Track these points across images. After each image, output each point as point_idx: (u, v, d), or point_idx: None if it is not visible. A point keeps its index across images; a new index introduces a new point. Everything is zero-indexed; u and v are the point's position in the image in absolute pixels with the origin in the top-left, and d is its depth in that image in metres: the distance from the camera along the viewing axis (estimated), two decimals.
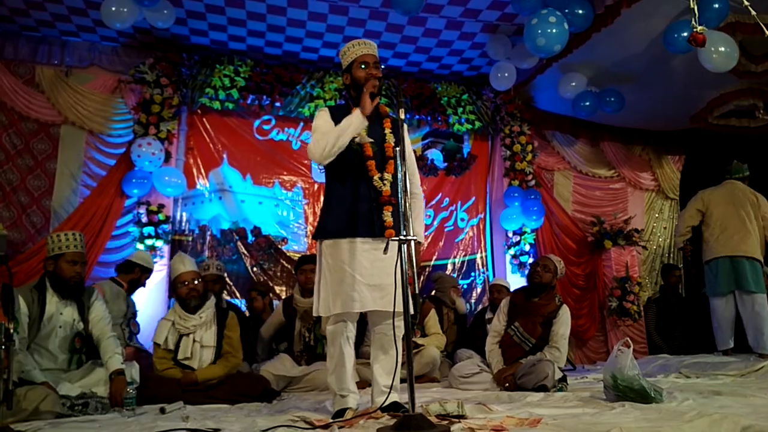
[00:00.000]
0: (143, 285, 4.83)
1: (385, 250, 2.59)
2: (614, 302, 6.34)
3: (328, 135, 2.91)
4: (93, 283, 4.31)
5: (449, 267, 6.47)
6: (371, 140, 3.03)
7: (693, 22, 4.05)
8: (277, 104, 5.94)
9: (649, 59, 5.37)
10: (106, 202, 5.27)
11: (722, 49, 4.36)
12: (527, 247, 6.40)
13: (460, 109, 6.48)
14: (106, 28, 5.03)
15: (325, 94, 6.00)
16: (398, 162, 2.68)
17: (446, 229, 6.53)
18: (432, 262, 6.39)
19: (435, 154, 6.53)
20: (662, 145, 7.36)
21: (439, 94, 6.45)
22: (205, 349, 3.90)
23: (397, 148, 2.72)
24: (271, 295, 5.58)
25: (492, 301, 5.60)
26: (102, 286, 4.46)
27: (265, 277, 5.79)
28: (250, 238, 5.80)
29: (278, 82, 5.92)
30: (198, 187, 5.80)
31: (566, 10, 4.65)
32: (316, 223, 5.80)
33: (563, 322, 4.18)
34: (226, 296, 5.40)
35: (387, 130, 3.11)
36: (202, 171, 5.83)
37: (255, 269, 5.80)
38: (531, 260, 6.22)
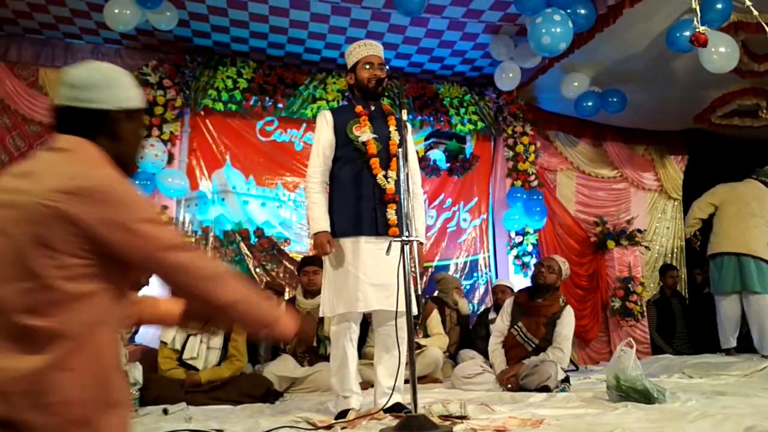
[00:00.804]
0: (146, 283, 4.78)
1: (388, 250, 2.60)
2: (617, 302, 6.33)
3: (310, 192, 3.10)
4: None
5: (452, 267, 6.46)
6: (375, 136, 3.04)
7: (695, 23, 4.05)
8: (280, 105, 5.95)
9: (651, 59, 5.36)
10: None
11: (722, 50, 4.35)
12: (530, 248, 6.39)
13: (463, 110, 6.48)
14: (109, 30, 5.04)
15: (328, 95, 6.01)
16: (401, 162, 2.68)
17: (449, 230, 6.53)
18: (435, 263, 6.39)
19: (437, 155, 6.53)
20: (665, 145, 7.35)
21: (442, 95, 6.45)
22: (211, 351, 3.92)
23: (400, 149, 2.73)
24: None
25: (495, 301, 5.60)
26: None
27: (268, 278, 5.79)
28: (253, 239, 5.80)
29: (281, 84, 5.93)
30: (201, 188, 5.80)
31: (568, 10, 4.65)
32: None
33: (567, 323, 4.17)
34: None
35: (392, 128, 3.12)
36: (205, 172, 5.84)
37: (258, 270, 5.81)
38: (534, 261, 6.21)
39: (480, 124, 6.55)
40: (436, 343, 4.97)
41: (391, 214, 2.96)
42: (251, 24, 5.37)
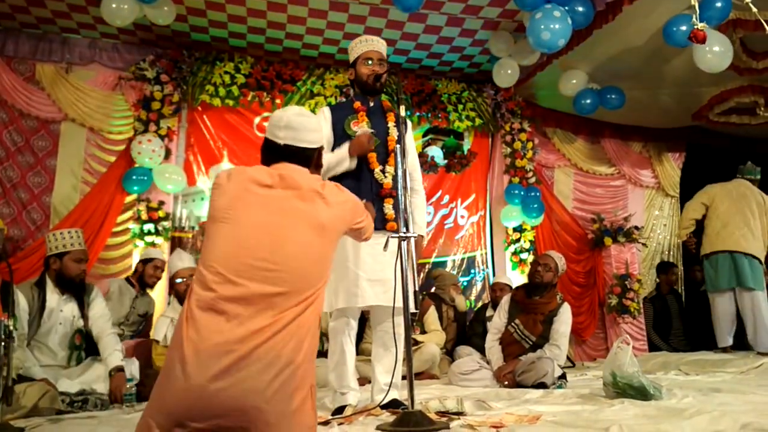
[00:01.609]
0: (150, 283, 4.74)
1: (385, 246, 2.59)
2: (614, 299, 6.34)
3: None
4: (98, 281, 4.32)
5: (449, 264, 6.47)
6: (372, 131, 3.03)
7: (694, 19, 4.04)
8: (278, 101, 5.94)
9: (649, 56, 5.36)
10: (106, 199, 5.27)
11: (717, 49, 4.35)
12: (527, 245, 6.40)
13: (461, 106, 6.48)
14: (107, 25, 5.02)
15: (326, 91, 6.00)
16: (398, 158, 2.68)
17: (446, 226, 6.53)
18: (432, 259, 6.39)
19: (435, 151, 6.52)
20: (663, 143, 7.36)
21: (440, 91, 6.44)
22: None
23: (398, 145, 2.73)
24: None
25: (493, 298, 5.60)
26: (110, 284, 4.48)
27: None
28: None
29: (279, 79, 5.92)
30: (198, 184, 5.79)
31: (566, 8, 4.64)
32: None
33: (564, 321, 4.18)
34: None
35: (390, 124, 3.12)
36: (203, 168, 5.83)
37: None
38: (531, 258, 6.21)
39: (478, 121, 6.54)
40: (433, 339, 4.98)
41: (389, 209, 2.96)
42: (249, 19, 5.35)
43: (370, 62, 3.11)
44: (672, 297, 6.61)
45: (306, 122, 2.11)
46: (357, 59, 3.15)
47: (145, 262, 4.67)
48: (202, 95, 5.70)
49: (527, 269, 5.67)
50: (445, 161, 6.54)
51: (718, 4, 4.24)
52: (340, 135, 3.08)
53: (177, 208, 5.69)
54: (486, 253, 6.67)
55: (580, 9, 4.74)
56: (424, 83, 6.39)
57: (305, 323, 1.79)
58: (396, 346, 2.81)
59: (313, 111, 5.94)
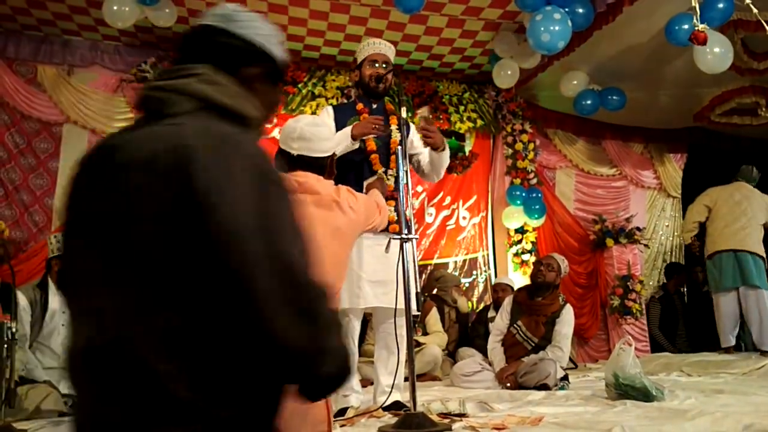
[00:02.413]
0: None
1: (387, 248, 2.59)
2: (616, 300, 6.33)
3: None
4: None
5: (451, 265, 6.46)
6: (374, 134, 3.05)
7: (695, 20, 4.04)
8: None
9: (650, 57, 5.36)
10: None
11: (717, 50, 4.35)
12: (529, 246, 6.39)
13: (462, 108, 6.47)
14: (108, 27, 5.02)
15: (327, 93, 6.00)
16: (399, 161, 2.68)
17: (448, 227, 6.52)
18: (434, 261, 6.39)
19: None
20: (664, 143, 7.35)
21: (441, 93, 6.43)
22: None
23: (399, 147, 2.73)
24: None
25: (495, 300, 5.59)
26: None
27: None
28: None
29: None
30: None
31: (566, 9, 4.64)
32: None
33: (566, 322, 4.17)
34: None
35: (393, 127, 3.13)
36: None
37: None
38: (533, 259, 6.21)
39: (479, 122, 6.54)
40: (435, 340, 4.97)
41: (391, 212, 2.97)
42: None
43: (375, 65, 3.13)
44: (677, 297, 6.61)
45: (318, 132, 2.18)
46: (363, 62, 3.17)
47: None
48: None
49: (529, 270, 5.66)
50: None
51: (720, 5, 4.24)
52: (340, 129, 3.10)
53: None
54: (488, 255, 6.66)
55: (581, 10, 4.74)
56: (425, 85, 6.39)
57: None
58: (398, 347, 2.82)
59: (314, 113, 5.97)
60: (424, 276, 6.11)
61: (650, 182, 7.35)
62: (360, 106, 3.15)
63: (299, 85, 5.97)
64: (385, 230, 2.92)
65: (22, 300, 3.33)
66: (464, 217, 6.61)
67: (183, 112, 1.03)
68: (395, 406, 2.83)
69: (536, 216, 6.32)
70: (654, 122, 7.08)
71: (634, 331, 6.25)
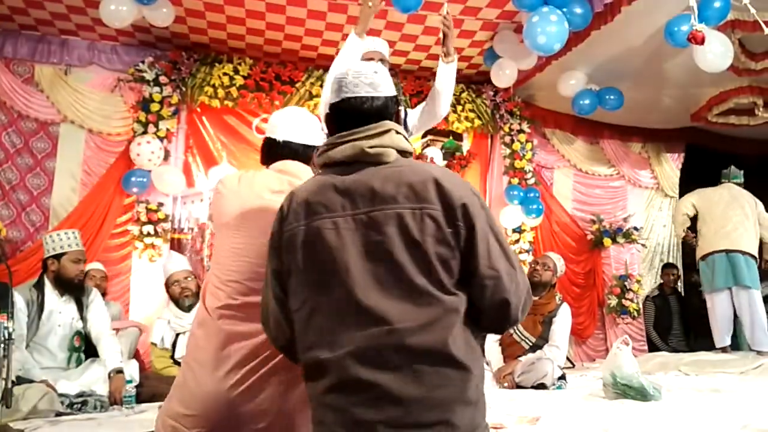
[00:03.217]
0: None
1: None
2: (613, 300, 6.34)
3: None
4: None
5: None
6: None
7: (693, 20, 4.05)
8: (277, 102, 5.93)
9: (648, 57, 5.36)
10: (105, 201, 5.28)
11: (717, 49, 4.36)
12: (526, 245, 6.39)
13: (460, 107, 6.47)
14: (105, 26, 5.01)
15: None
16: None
17: None
18: None
19: (434, 152, 6.51)
20: (662, 143, 7.36)
21: None
22: None
23: None
24: None
25: None
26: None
27: None
28: None
29: (277, 81, 5.91)
30: (197, 185, 5.78)
31: (564, 9, 4.64)
32: None
33: (563, 321, 4.18)
34: None
35: None
36: (202, 169, 5.82)
37: None
38: (530, 258, 6.21)
39: (477, 122, 6.54)
40: None
41: None
42: (248, 21, 5.35)
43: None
44: (674, 297, 6.61)
45: (305, 121, 2.13)
46: None
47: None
48: (201, 97, 5.69)
49: (526, 270, 5.67)
50: (445, 162, 6.53)
51: (717, 4, 4.24)
52: None
53: (176, 210, 5.68)
54: None
55: (579, 10, 4.74)
56: (423, 84, 6.38)
57: None
58: None
59: (312, 113, 5.95)
60: None
61: (648, 182, 7.35)
62: None
63: (297, 85, 5.97)
64: None
65: (19, 301, 3.32)
66: None
67: (395, 159, 1.50)
68: None
69: (534, 215, 6.32)
70: (652, 122, 7.09)
71: (632, 331, 6.26)
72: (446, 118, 6.42)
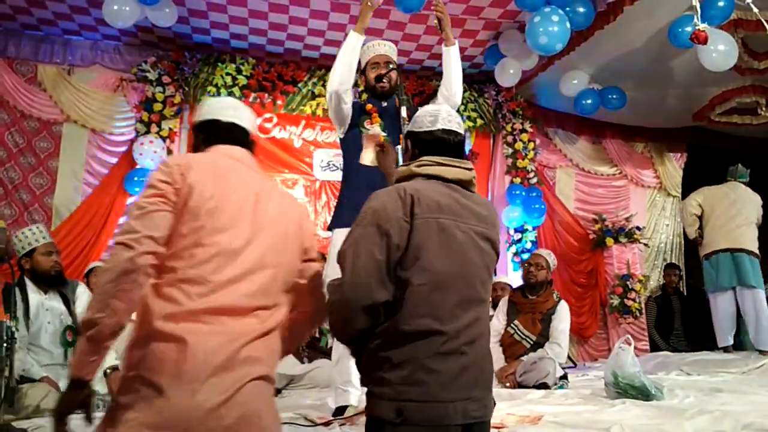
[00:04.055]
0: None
1: None
2: (616, 300, 6.33)
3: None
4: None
5: None
6: (385, 134, 3.06)
7: (696, 20, 4.05)
8: (279, 102, 5.94)
9: (651, 56, 5.36)
10: (108, 201, 5.29)
11: (721, 48, 4.35)
12: (529, 245, 6.39)
13: (462, 107, 6.47)
14: (108, 26, 5.03)
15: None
16: (400, 158, 2.69)
17: None
18: None
19: None
20: (664, 143, 7.35)
21: None
22: None
23: (398, 146, 2.73)
24: None
25: (494, 298, 5.59)
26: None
27: None
28: None
29: (280, 80, 5.92)
30: None
31: (567, 9, 4.64)
32: (316, 221, 5.83)
33: (562, 318, 4.19)
34: None
35: (404, 127, 3.15)
36: None
37: None
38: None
39: (479, 121, 6.54)
40: None
41: None
42: (250, 20, 5.36)
43: (375, 68, 3.16)
44: (676, 297, 6.60)
45: (247, 109, 1.99)
46: (366, 66, 3.20)
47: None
48: (203, 96, 5.70)
49: (520, 272, 5.66)
50: None
51: (720, 3, 4.24)
52: (354, 124, 3.12)
53: None
54: None
55: (581, 10, 4.74)
56: (425, 84, 6.39)
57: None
58: None
59: (314, 113, 5.98)
60: None
61: (650, 181, 7.35)
62: (369, 106, 3.18)
63: (299, 85, 5.98)
64: None
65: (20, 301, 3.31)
66: None
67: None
68: None
69: (536, 215, 6.32)
70: (654, 122, 7.08)
71: (634, 330, 6.25)
72: None
